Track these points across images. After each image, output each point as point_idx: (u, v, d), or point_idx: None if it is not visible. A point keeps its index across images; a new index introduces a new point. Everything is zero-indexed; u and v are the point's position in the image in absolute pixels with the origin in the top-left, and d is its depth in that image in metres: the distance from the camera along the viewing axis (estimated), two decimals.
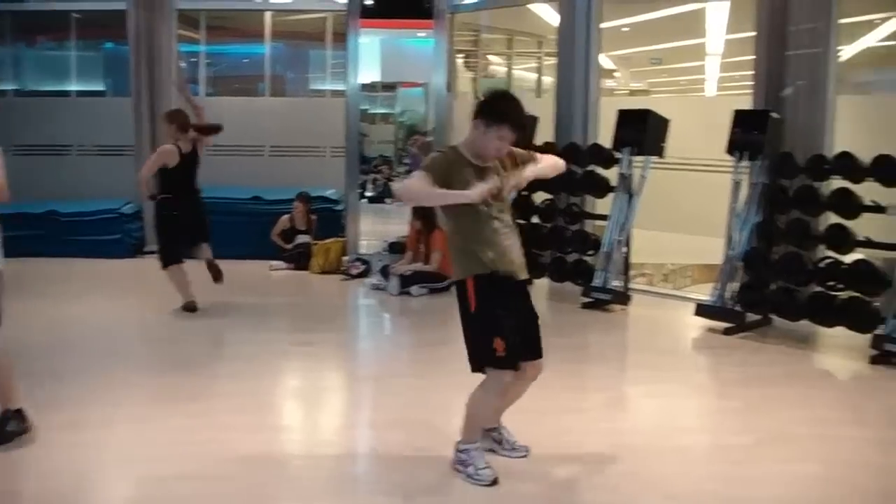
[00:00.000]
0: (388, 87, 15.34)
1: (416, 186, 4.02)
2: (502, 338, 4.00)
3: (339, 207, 10.97)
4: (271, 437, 4.94)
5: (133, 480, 4.32)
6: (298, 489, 4.24)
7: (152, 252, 10.63)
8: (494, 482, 4.14)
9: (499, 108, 4.06)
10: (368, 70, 10.76)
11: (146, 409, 5.30)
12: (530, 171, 4.28)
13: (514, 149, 4.25)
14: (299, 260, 10.14)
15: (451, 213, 4.13)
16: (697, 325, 7.56)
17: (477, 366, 4.12)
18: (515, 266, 4.15)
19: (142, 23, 11.01)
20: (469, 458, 4.22)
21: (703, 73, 18.73)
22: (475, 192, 3.88)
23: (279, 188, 10.93)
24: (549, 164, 4.42)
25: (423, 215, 9.05)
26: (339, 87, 11.63)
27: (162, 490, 4.16)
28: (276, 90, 13.07)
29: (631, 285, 8.69)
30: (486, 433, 4.45)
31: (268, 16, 12.28)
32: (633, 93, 20.19)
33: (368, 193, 16.07)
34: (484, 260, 4.05)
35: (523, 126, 4.13)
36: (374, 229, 11.27)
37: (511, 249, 4.13)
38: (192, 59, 12.94)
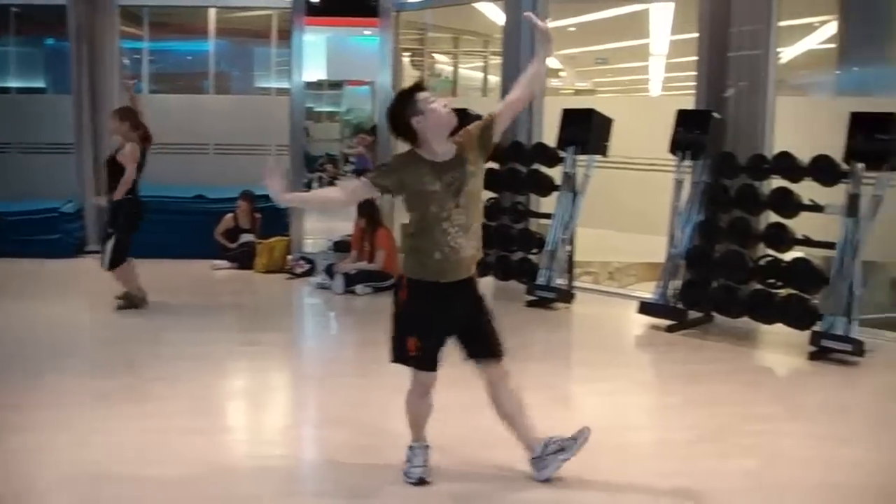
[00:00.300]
0: (334, 85, 15.26)
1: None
2: (417, 338, 4.03)
3: (284, 206, 10.88)
4: (217, 438, 4.91)
5: (78, 483, 4.25)
6: (244, 489, 4.21)
7: (95, 252, 10.53)
8: (419, 482, 4.17)
9: (405, 95, 4.04)
10: (314, 68, 10.69)
11: (90, 412, 5.23)
12: (514, 96, 4.14)
13: (468, 128, 4.14)
14: (243, 259, 10.05)
15: (408, 209, 4.09)
16: (641, 323, 7.63)
17: (392, 358, 4.14)
18: (462, 267, 4.06)
19: (83, 18, 10.82)
20: (410, 455, 4.25)
21: (648, 73, 18.93)
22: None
23: (223, 187, 10.83)
24: (530, 79, 4.13)
25: (368, 214, 9.03)
26: (285, 85, 11.56)
27: (107, 492, 4.12)
28: (221, 88, 12.98)
29: (576, 283, 8.75)
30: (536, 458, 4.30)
31: (212, 12, 12.18)
32: (578, 92, 20.34)
33: None
34: (428, 263, 4.01)
35: (424, 88, 4.05)
36: (319, 228, 11.21)
37: (460, 250, 4.01)
38: (135, 56, 12.79)
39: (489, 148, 4.15)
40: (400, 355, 4.10)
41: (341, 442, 4.83)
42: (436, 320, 4.06)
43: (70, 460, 4.49)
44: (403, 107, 3.99)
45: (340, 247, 9.91)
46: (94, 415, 5.17)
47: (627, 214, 9.17)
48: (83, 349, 6.86)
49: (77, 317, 7.78)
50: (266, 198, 10.72)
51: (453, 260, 4.01)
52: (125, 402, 5.42)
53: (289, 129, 10.56)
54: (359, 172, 16.34)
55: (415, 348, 4.03)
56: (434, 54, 18.31)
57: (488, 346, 4.16)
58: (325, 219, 11.29)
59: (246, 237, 10.29)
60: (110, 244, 7.72)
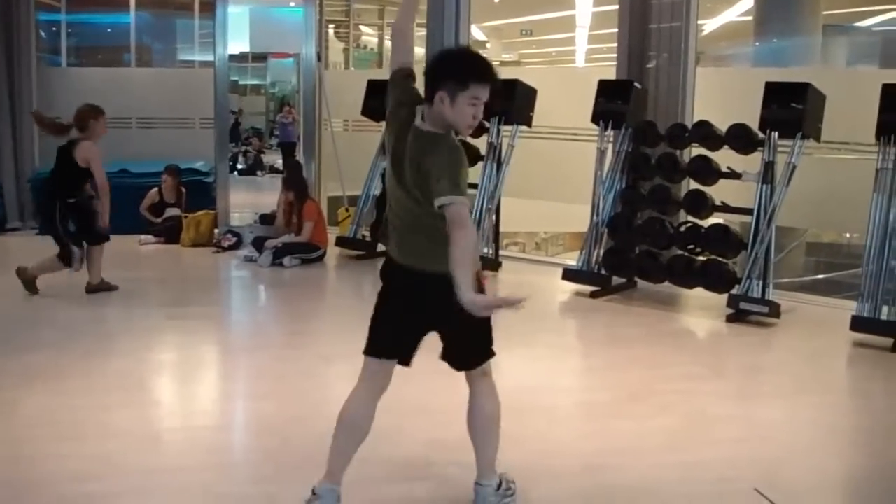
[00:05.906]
0: (259, 57, 15.10)
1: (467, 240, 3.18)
2: (372, 319, 3.53)
3: (210, 179, 10.81)
4: (146, 412, 4.89)
5: (5, 462, 4.20)
6: (175, 460, 4.23)
7: (15, 229, 10.38)
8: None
9: (465, 65, 3.19)
10: (238, 40, 10.59)
11: (15, 391, 5.13)
12: None
13: None
14: (169, 233, 9.95)
15: None
16: (565, 290, 7.76)
17: None
18: (396, 257, 3.47)
19: None
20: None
21: (574, 44, 19.10)
22: (474, 301, 3.10)
23: (147, 161, 10.69)
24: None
25: (296, 187, 9.04)
26: (209, 57, 11.43)
27: (37, 471, 4.07)
28: (143, 61, 12.79)
29: (503, 253, 8.84)
30: None
31: None
32: (503, 64, 20.44)
33: (240, 166, 15.90)
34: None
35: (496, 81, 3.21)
36: (245, 201, 11.14)
37: (393, 237, 3.47)
38: (53, 29, 12.53)
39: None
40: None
41: (270, 413, 4.86)
42: (390, 304, 3.52)
43: None
44: (447, 70, 3.19)
45: (267, 220, 9.88)
46: (18, 393, 5.11)
47: (553, 183, 9.28)
48: (4, 327, 6.75)
49: None
50: (190, 171, 10.66)
51: (390, 248, 3.52)
52: (52, 378, 5.36)
53: (213, 103, 10.45)
54: (282, 145, 16.26)
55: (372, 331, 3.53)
56: (360, 26, 18.26)
57: (453, 356, 3.66)
58: (251, 192, 11.22)
59: (171, 211, 10.19)
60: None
